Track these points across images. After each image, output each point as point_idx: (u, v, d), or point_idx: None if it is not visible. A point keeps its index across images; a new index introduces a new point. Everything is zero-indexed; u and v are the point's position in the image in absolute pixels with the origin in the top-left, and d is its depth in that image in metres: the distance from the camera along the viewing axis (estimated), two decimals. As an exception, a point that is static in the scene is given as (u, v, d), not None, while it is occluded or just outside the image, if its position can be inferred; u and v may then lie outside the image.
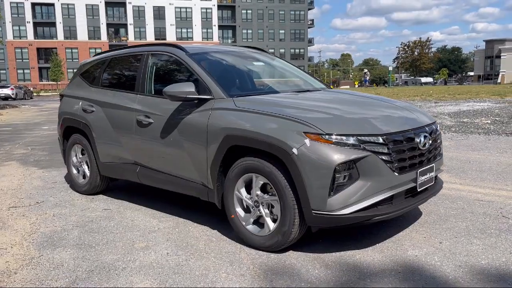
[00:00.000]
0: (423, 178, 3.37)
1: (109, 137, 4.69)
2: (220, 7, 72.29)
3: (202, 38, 71.00)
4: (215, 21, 71.66)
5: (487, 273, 2.89)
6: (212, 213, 4.31)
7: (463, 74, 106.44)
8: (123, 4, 69.06)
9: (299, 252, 3.32)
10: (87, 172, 5.17)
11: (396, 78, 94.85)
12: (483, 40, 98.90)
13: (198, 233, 3.83)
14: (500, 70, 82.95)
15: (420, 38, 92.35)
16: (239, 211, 3.52)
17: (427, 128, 3.50)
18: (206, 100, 3.73)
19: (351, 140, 3.03)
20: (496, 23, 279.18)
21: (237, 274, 3.01)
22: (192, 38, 70.93)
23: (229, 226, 3.88)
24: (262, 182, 3.33)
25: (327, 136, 3.02)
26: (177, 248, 3.52)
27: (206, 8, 71.04)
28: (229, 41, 73.62)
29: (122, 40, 69.81)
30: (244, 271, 3.06)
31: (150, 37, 70.01)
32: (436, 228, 3.72)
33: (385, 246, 3.39)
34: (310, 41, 78.42)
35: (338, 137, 3.02)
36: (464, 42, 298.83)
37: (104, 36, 68.99)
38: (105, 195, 5.20)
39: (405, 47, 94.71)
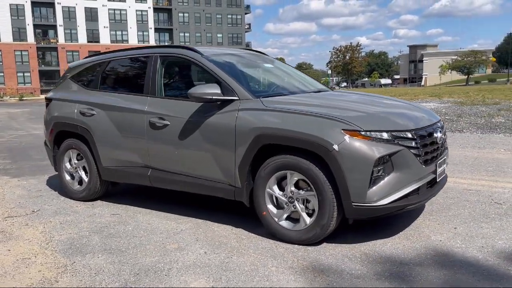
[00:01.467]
0: (439, 169, 3.69)
1: (113, 141, 4.60)
2: (156, 9, 71.00)
3: (138, 41, 69.30)
4: (151, 23, 70.28)
5: (508, 252, 3.25)
6: (228, 212, 4.39)
7: (391, 77, 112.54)
8: (52, 4, 65.65)
9: (334, 244, 3.50)
10: (85, 178, 5.01)
11: (347, 81, 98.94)
12: (407, 46, 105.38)
13: (224, 232, 3.89)
14: (423, 74, 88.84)
15: (351, 43, 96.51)
16: (271, 208, 3.64)
17: (439, 124, 3.84)
18: (231, 101, 3.81)
19: (386, 136, 3.27)
20: (415, 29, 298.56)
21: (286, 267, 3.13)
22: (127, 41, 68.98)
23: (252, 224, 4.00)
24: (296, 179, 3.48)
25: (364, 133, 3.23)
26: (211, 247, 3.56)
27: (142, 11, 69.48)
28: (166, 44, 72.48)
29: (52, 42, 66.37)
30: (291, 264, 3.19)
31: (82, 40, 67.23)
32: (444, 216, 4.07)
33: (408, 234, 3.67)
34: (248, 45, 79.11)
35: (374, 133, 3.25)
36: (388, 47, 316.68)
37: (31, 38, 65.14)
38: (104, 201, 5.06)
39: (337, 52, 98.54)
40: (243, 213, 4.35)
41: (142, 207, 4.73)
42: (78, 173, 5.08)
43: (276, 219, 3.61)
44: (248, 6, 78.12)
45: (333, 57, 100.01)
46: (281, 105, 3.65)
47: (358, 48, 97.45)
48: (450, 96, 24.94)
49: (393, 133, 3.30)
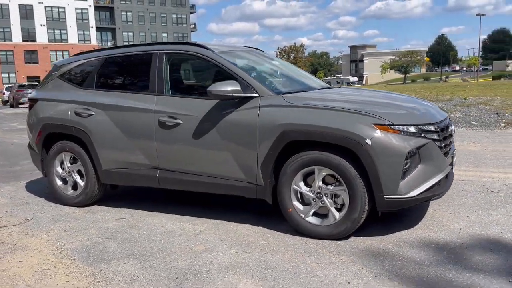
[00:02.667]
0: (453, 161, 3.86)
1: (115, 142, 4.39)
2: (97, 8, 68.36)
3: (79, 40, 66.43)
4: (92, 22, 67.57)
5: (525, 235, 3.46)
6: (240, 211, 4.34)
7: (335, 76, 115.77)
8: (-19, 2, 61.51)
9: (362, 237, 3.56)
10: (80, 182, 4.74)
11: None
12: (348, 46, 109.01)
13: (246, 231, 3.83)
14: (364, 73, 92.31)
15: (294, 43, 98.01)
16: (297, 204, 3.64)
17: (449, 118, 4.01)
18: (250, 98, 3.76)
19: (413, 129, 3.37)
20: (354, 30, 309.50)
21: (326, 262, 3.14)
22: (66, 40, 65.95)
23: (270, 221, 3.99)
24: (325, 174, 3.50)
25: (394, 127, 3.31)
26: (240, 246, 3.50)
27: (82, 9, 66.60)
28: (109, 43, 70.00)
29: (-18, 41, 62.15)
30: (329, 259, 3.20)
31: (17, 39, 63.42)
32: (452, 205, 4.25)
33: (427, 224, 3.80)
34: (193, 45, 78.42)
35: (403, 127, 3.34)
36: (328, 48, 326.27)
37: (-41, 37, 60.68)
38: (101, 205, 4.81)
39: (282, 52, 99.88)
40: (256, 211, 4.33)
41: (146, 210, 4.56)
42: (72, 177, 4.79)
43: (303, 216, 3.61)
44: (193, 6, 77.36)
45: (278, 57, 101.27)
46: (305, 101, 3.66)
47: (301, 48, 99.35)
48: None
49: (420, 127, 3.41)
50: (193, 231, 3.90)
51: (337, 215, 3.49)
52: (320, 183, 3.52)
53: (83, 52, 5.08)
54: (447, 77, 75.97)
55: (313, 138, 3.46)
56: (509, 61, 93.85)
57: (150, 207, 4.66)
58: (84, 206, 4.77)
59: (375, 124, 3.31)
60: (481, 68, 72.34)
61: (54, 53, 64.89)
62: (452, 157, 3.79)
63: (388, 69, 78.46)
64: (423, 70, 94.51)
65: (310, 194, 3.57)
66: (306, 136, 3.48)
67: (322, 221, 3.57)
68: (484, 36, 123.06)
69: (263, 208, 4.37)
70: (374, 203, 3.39)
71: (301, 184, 3.60)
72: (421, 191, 3.37)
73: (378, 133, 3.28)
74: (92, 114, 4.51)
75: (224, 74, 3.99)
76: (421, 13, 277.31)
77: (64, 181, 4.88)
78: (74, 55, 5.13)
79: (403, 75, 78.23)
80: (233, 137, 3.79)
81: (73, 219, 4.40)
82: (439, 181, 3.56)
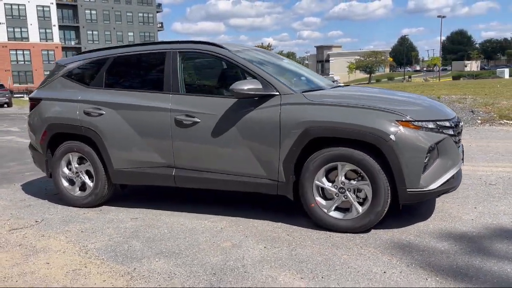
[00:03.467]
0: (463, 156, 4.06)
1: (128, 141, 4.37)
2: (59, 5, 66.27)
3: (40, 38, 64.25)
4: (54, 20, 65.49)
5: (533, 224, 3.70)
6: (254, 207, 4.40)
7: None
8: None
9: (383, 230, 3.69)
10: (89, 183, 4.68)
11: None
12: (314, 46, 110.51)
13: (268, 227, 3.90)
14: (330, 73, 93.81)
15: (262, 43, 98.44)
16: (319, 199, 3.74)
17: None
18: (270, 96, 3.84)
19: (432, 125, 3.54)
20: (318, 31, 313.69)
21: (356, 254, 3.25)
22: (27, 38, 63.65)
23: (288, 216, 4.09)
24: (348, 169, 3.62)
25: (415, 123, 3.47)
26: (267, 242, 3.57)
27: (43, 6, 64.42)
28: (72, 42, 68.25)
29: None
30: (358, 251, 3.31)
31: (-26, 37, 60.80)
32: (456, 198, 4.47)
33: (439, 216, 3.98)
34: (160, 44, 77.42)
35: (423, 123, 3.50)
36: (294, 48, 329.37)
37: None
38: (109, 206, 4.76)
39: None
40: (270, 207, 4.41)
41: (158, 209, 4.55)
42: (80, 178, 4.72)
43: (326, 210, 3.72)
44: (159, 5, 76.26)
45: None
46: (326, 99, 3.77)
47: (269, 48, 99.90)
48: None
49: (437, 123, 3.58)
50: (214, 229, 3.93)
51: (360, 208, 3.61)
52: (343, 178, 3.64)
53: (89, 51, 5.00)
54: (410, 77, 78.41)
55: (338, 134, 3.57)
56: (467, 62, 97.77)
57: (162, 206, 4.65)
58: (93, 207, 4.71)
59: (397, 121, 3.45)
60: (441, 69, 74.97)
61: (14, 52, 62.63)
62: (462, 152, 4.00)
63: (354, 69, 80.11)
64: (387, 70, 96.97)
65: (333, 189, 3.68)
66: (331, 133, 3.59)
67: (345, 215, 3.68)
68: (442, 38, 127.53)
69: (276, 204, 4.46)
70: (395, 197, 3.54)
71: (324, 179, 3.70)
72: (440, 184, 3.54)
73: (401, 129, 3.43)
74: (102, 114, 4.46)
75: (241, 73, 4.05)
76: (383, 15, 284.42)
77: (71, 182, 4.80)
78: (79, 54, 5.05)
79: (368, 75, 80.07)
80: (254, 135, 3.86)
81: (86, 220, 4.34)
82: (454, 174, 3.75)
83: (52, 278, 3.09)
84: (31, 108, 5.05)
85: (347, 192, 3.64)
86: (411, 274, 2.90)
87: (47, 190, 5.65)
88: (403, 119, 3.46)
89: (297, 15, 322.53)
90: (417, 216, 4.00)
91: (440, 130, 3.57)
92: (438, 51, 79.66)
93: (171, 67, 4.27)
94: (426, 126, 3.51)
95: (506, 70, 69.05)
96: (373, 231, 3.68)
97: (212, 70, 4.42)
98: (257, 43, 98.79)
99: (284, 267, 3.10)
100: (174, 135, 4.16)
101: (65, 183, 4.80)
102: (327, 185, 3.70)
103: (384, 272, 2.95)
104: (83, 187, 4.76)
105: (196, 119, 4.05)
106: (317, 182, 3.71)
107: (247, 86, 3.75)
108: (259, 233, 3.77)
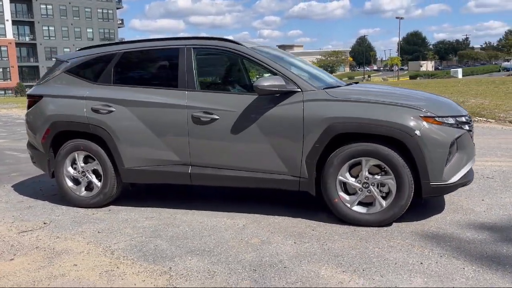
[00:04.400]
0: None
1: (141, 139, 4.27)
2: (13, 0, 63.49)
3: (-7, 34, 61.39)
4: (7, 15, 62.48)
5: (541, 214, 3.92)
6: (271, 204, 4.42)
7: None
8: None
9: (404, 223, 3.79)
10: (97, 182, 4.53)
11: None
12: (276, 45, 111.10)
13: (290, 223, 3.92)
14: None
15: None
16: (343, 194, 3.80)
17: None
18: (292, 92, 3.86)
19: (452, 121, 3.68)
20: (278, 30, 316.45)
21: (388, 246, 3.33)
22: (-21, 34, 60.65)
23: (306, 212, 4.14)
24: (372, 164, 3.70)
25: (438, 119, 3.60)
26: (295, 237, 3.59)
27: (-5, 1, 61.54)
28: (27, 38, 65.42)
29: None
30: (388, 243, 3.39)
31: None
32: (462, 191, 4.62)
33: (452, 209, 4.14)
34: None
35: (444, 118, 3.64)
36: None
37: None
38: (115, 205, 4.64)
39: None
40: (285, 203, 4.44)
41: (171, 208, 4.47)
42: (87, 177, 4.57)
43: (349, 205, 3.78)
44: (119, 1, 74.45)
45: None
46: (349, 96, 3.83)
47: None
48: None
49: (456, 118, 3.72)
50: (236, 226, 3.92)
51: (384, 202, 3.70)
52: (367, 173, 3.72)
53: (92, 46, 4.84)
54: (369, 76, 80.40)
55: (364, 130, 3.63)
56: (422, 62, 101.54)
57: (173, 204, 4.58)
58: (100, 207, 4.58)
59: (421, 117, 3.57)
60: (399, 68, 77.47)
61: (-35, 48, 59.42)
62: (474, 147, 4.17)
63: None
64: (347, 70, 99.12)
65: (357, 184, 3.75)
66: (357, 129, 3.65)
67: (368, 209, 3.76)
68: (399, 39, 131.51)
69: (291, 200, 4.51)
70: (417, 190, 3.65)
71: (347, 174, 3.77)
72: (459, 177, 3.69)
73: (425, 125, 3.54)
74: (112, 111, 4.34)
75: (258, 70, 4.04)
76: (341, 15, 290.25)
77: (76, 181, 4.64)
78: (81, 49, 4.88)
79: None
80: (276, 131, 3.87)
81: (98, 220, 4.22)
82: (470, 168, 3.91)
83: (86, 280, 2.99)
84: (30, 105, 4.84)
85: (371, 186, 3.72)
86: (448, 264, 3.01)
87: (42, 190, 5.43)
88: (427, 115, 3.58)
89: (258, 14, 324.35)
90: (431, 209, 4.14)
91: (459, 126, 3.71)
92: (395, 51, 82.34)
93: (186, 63, 4.21)
94: (447, 121, 3.64)
95: (459, 70, 72.42)
96: (394, 224, 3.78)
97: (228, 67, 4.39)
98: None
99: (322, 261, 3.14)
100: (191, 132, 4.10)
101: (70, 183, 4.64)
102: (351, 180, 3.77)
103: (421, 263, 3.04)
104: (88, 186, 4.61)
105: (215, 116, 4.02)
106: (340, 178, 3.77)
107: (271, 82, 3.76)
108: (283, 229, 3.79)
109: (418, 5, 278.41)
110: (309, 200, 4.36)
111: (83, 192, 4.61)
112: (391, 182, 3.66)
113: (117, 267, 3.16)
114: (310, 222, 3.92)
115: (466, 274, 2.86)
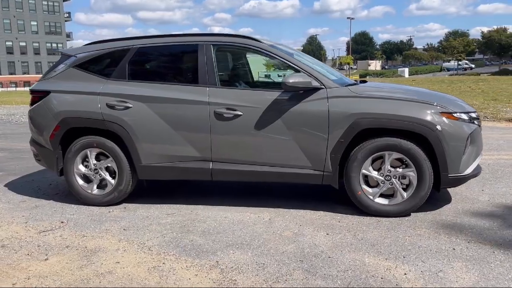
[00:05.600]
0: (477, 144, 4.56)
1: (159, 135, 4.24)
2: (-50, -11, 59.42)
3: None
4: None
5: (539, 202, 4.29)
6: (286, 198, 4.53)
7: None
8: None
9: (422, 213, 4.02)
10: (110, 180, 4.45)
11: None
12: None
13: (314, 216, 4.04)
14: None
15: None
16: (366, 187, 3.98)
17: None
18: (316, 89, 3.99)
19: (465, 116, 3.95)
20: (229, 27, 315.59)
21: (415, 235, 3.53)
22: None
23: (325, 205, 4.29)
24: (394, 158, 3.90)
25: (455, 114, 3.86)
26: (325, 229, 3.72)
27: None
28: (-35, 31, 61.52)
29: None
30: (413, 232, 3.59)
31: None
32: (460, 183, 4.97)
33: (459, 199, 4.43)
34: (69, 35, 72.60)
35: (460, 114, 3.90)
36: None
37: None
38: (127, 203, 4.57)
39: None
40: (301, 197, 4.57)
41: (189, 204, 4.48)
42: (100, 174, 4.47)
43: (372, 197, 3.97)
44: (66, -6, 71.57)
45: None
46: (372, 93, 4.02)
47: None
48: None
49: (469, 114, 4.00)
50: (262, 220, 3.99)
51: (405, 194, 3.91)
52: (389, 167, 3.92)
53: (100, 41, 4.73)
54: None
55: (390, 126, 3.82)
56: (370, 61, 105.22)
57: (188, 200, 4.60)
58: (113, 205, 4.50)
59: (441, 113, 3.81)
60: (350, 67, 79.86)
61: None
62: (477, 141, 4.48)
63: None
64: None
65: (380, 177, 3.94)
66: (382, 124, 3.83)
67: (390, 200, 3.97)
68: (347, 38, 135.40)
69: (305, 194, 4.64)
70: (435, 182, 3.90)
71: (370, 168, 3.95)
72: (472, 169, 3.97)
73: (445, 120, 3.79)
74: (129, 107, 4.28)
75: (278, 66, 4.13)
76: (291, 14, 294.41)
77: (87, 179, 4.53)
78: (89, 44, 4.74)
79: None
80: (301, 127, 3.98)
81: (118, 218, 4.15)
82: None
83: (136, 276, 2.97)
84: (34, 101, 4.66)
85: (393, 179, 3.92)
86: (478, 249, 3.25)
87: (41, 190, 5.25)
88: (446, 111, 3.83)
89: (208, 11, 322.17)
90: (440, 200, 4.41)
91: (472, 121, 3.99)
92: (343, 50, 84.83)
93: (206, 60, 4.22)
94: (462, 117, 3.91)
95: (406, 70, 76.11)
96: (413, 215, 4.01)
97: (247, 63, 4.43)
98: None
99: (361, 250, 3.29)
100: (213, 128, 4.13)
101: (80, 181, 4.52)
102: (374, 173, 3.95)
103: (453, 249, 3.27)
104: (100, 184, 4.52)
105: (238, 112, 4.07)
106: (364, 171, 3.94)
107: (298, 79, 3.87)
108: (310, 222, 3.91)
109: (364, 6, 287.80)
110: (323, 194, 4.51)
111: (95, 190, 4.51)
112: (412, 174, 3.87)
113: (163, 263, 3.16)
114: (333, 215, 4.07)
115: (498, 258, 3.11)
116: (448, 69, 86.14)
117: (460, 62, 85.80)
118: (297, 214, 4.13)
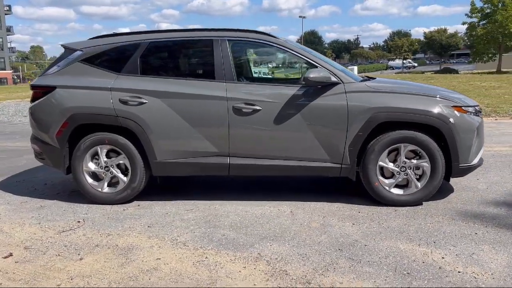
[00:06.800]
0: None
1: (177, 131, 4.20)
2: None
3: None
4: None
5: (532, 189, 4.65)
6: (297, 192, 4.62)
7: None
8: None
9: (434, 202, 4.24)
10: (122, 177, 4.35)
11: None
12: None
13: (333, 208, 4.15)
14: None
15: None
16: (382, 178, 4.15)
17: None
18: (334, 84, 4.11)
19: (472, 110, 4.21)
20: (177, 24, 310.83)
21: (434, 222, 3.73)
22: None
23: (340, 197, 4.42)
24: (408, 150, 4.09)
25: (464, 108, 4.10)
26: (348, 220, 3.84)
27: None
28: None
29: None
30: (431, 219, 3.79)
31: None
32: (455, 173, 5.27)
33: (460, 188, 4.69)
34: (9, 30, 68.71)
35: (468, 108, 4.15)
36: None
37: None
38: (139, 201, 4.49)
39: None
40: (314, 189, 4.67)
41: (205, 200, 4.47)
42: (111, 172, 4.36)
43: (387, 188, 4.14)
44: (5, -15, 67.63)
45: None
46: (387, 88, 4.18)
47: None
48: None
49: (475, 108, 4.27)
50: (283, 213, 4.06)
51: (419, 184, 4.12)
52: (404, 158, 4.11)
53: (106, 35, 4.59)
54: (273, 73, 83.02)
55: (406, 119, 4.00)
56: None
57: (203, 196, 4.59)
58: (125, 203, 4.41)
59: (453, 106, 4.04)
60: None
61: None
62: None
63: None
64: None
65: (395, 168, 4.12)
66: (399, 118, 4.01)
67: (404, 190, 4.16)
68: (297, 37, 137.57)
69: (317, 187, 4.75)
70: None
71: (387, 160, 4.12)
72: (478, 159, 4.24)
73: (456, 113, 4.02)
74: (144, 102, 4.20)
75: (297, 62, 4.22)
76: (240, 12, 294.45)
77: (96, 177, 4.40)
78: (96, 38, 4.59)
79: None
80: (320, 121, 4.09)
81: (137, 215, 4.08)
82: (481, 152, 4.49)
83: (185, 271, 2.96)
84: (36, 97, 4.46)
85: (408, 170, 4.11)
86: (498, 232, 3.49)
87: (38, 189, 5.04)
88: (457, 105, 4.07)
89: (155, 7, 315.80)
90: (442, 189, 4.66)
91: (477, 114, 4.26)
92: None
93: (222, 55, 4.22)
94: (470, 111, 4.16)
95: (355, 68, 78.19)
96: (425, 203, 4.22)
97: (263, 58, 4.48)
98: (107, 33, 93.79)
99: (393, 238, 3.44)
100: (231, 123, 4.14)
101: (89, 180, 4.39)
102: (390, 165, 4.13)
103: (476, 233, 3.49)
104: (112, 182, 4.41)
105: (257, 107, 4.11)
106: (380, 163, 4.11)
107: (319, 74, 3.97)
108: (331, 213, 4.03)
109: (311, 5, 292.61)
110: (334, 187, 4.64)
111: (106, 188, 4.39)
112: (425, 165, 4.08)
113: (206, 258, 3.16)
114: (350, 206, 4.21)
115: (518, 239, 3.36)
116: (393, 68, 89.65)
117: (404, 61, 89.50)
118: (315, 206, 4.22)
